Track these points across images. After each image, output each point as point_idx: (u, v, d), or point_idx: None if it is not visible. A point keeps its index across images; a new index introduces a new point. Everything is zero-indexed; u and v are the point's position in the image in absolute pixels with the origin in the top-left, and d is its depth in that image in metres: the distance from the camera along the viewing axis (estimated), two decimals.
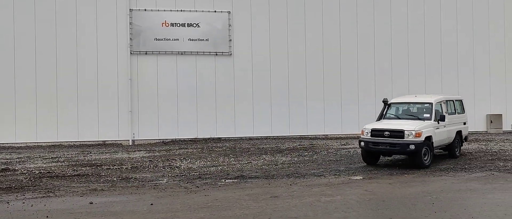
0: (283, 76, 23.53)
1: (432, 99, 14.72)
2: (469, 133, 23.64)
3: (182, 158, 16.18)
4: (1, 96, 21.43)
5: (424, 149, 13.38)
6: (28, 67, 21.55)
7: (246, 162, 15.20)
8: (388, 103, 15.35)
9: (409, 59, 24.52)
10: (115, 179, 12.40)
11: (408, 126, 13.58)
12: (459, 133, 15.79)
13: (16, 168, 14.26)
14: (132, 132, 22.15)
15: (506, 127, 25.26)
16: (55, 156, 17.36)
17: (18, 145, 20.99)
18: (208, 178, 12.37)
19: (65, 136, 21.67)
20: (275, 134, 23.29)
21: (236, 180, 11.99)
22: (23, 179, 12.46)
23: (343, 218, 8.12)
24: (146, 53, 22.44)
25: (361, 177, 12.20)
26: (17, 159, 16.39)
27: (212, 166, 14.35)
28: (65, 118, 21.70)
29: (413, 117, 14.50)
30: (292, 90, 23.58)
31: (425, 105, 14.63)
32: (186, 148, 19.42)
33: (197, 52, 22.79)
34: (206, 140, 22.35)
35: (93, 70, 22.00)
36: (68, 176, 12.89)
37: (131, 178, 12.53)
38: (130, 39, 22.22)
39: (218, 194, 10.22)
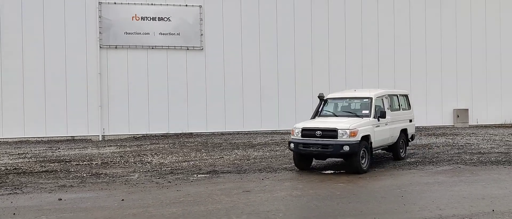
0: (255, 71, 23.54)
1: (372, 93, 12.97)
2: (436, 128, 24.33)
3: (153, 153, 16.03)
4: None
5: (361, 151, 11.69)
6: None
7: (218, 157, 15.17)
8: (325, 98, 13.71)
9: (379, 57, 24.86)
10: (84, 175, 12.20)
11: (342, 124, 11.83)
12: (404, 131, 14.16)
13: None
14: (102, 127, 21.82)
15: (472, 121, 25.95)
16: (22, 152, 16.95)
17: None
18: (180, 173, 12.30)
19: (32, 132, 21.19)
20: (247, 129, 23.32)
21: (208, 175, 11.96)
22: None
23: (315, 211, 8.21)
24: (116, 47, 22.10)
25: (332, 172, 12.32)
26: None
27: (184, 161, 14.27)
28: (32, 113, 21.21)
29: (351, 114, 12.79)
30: (264, 85, 23.63)
31: (364, 100, 12.90)
32: (157, 143, 19.25)
33: (168, 46, 22.59)
34: (177, 135, 22.21)
35: (61, 64, 21.54)
36: (36, 172, 12.61)
37: (101, 174, 12.35)
38: (100, 32, 21.84)
39: (190, 189, 10.17)
